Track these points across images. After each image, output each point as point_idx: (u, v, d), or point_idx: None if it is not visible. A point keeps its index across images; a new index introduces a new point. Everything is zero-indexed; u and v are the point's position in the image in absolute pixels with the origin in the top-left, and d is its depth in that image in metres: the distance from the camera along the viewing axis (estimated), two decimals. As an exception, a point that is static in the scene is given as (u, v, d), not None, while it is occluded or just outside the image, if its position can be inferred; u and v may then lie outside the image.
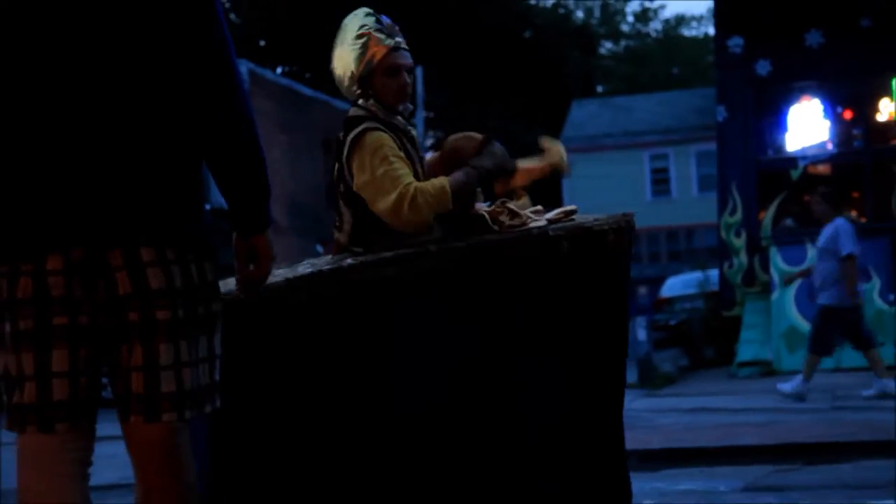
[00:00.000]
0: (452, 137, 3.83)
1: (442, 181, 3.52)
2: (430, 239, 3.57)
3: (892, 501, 4.72)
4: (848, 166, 15.75)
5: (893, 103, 15.34)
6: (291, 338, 3.46)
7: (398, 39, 3.80)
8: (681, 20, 50.89)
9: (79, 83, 2.11)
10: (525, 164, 3.73)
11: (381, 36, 3.76)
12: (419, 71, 23.79)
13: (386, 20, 3.85)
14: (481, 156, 3.61)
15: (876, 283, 14.14)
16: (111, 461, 2.61)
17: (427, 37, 27.57)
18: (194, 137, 2.21)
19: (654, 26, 50.88)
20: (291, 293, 3.47)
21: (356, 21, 3.81)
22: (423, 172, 3.75)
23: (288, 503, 3.49)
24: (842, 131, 15.63)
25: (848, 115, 15.66)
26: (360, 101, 3.78)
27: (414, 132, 3.94)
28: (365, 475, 3.50)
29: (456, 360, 3.53)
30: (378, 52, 3.75)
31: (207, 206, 2.40)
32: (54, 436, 2.15)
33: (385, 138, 3.66)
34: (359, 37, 3.77)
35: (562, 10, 46.79)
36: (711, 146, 19.33)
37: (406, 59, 3.80)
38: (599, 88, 44.18)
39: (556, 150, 3.82)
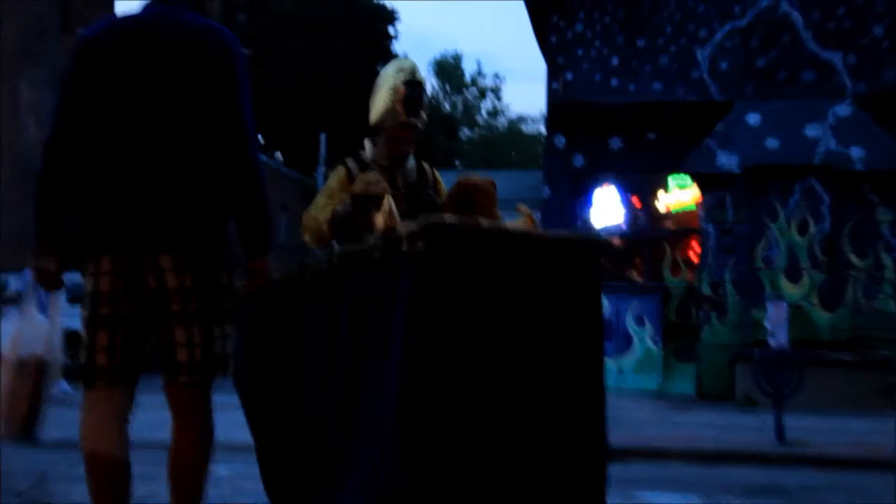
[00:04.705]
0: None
1: (328, 214, 2.92)
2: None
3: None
4: (633, 240, 13.94)
5: (667, 195, 13.68)
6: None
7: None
8: (521, 119, 48.80)
9: (154, 159, 2.17)
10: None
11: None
12: (323, 137, 21.04)
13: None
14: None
15: (648, 329, 12.32)
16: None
17: (331, 111, 24.94)
18: (225, 196, 2.24)
19: (501, 121, 48.79)
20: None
21: None
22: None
23: None
24: (631, 213, 13.92)
25: (636, 201, 13.94)
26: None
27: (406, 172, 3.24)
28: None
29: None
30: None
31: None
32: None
33: (334, 173, 3.19)
34: None
35: (433, 102, 44.46)
36: (537, 216, 17.31)
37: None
38: (458, 164, 41.92)
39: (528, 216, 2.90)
